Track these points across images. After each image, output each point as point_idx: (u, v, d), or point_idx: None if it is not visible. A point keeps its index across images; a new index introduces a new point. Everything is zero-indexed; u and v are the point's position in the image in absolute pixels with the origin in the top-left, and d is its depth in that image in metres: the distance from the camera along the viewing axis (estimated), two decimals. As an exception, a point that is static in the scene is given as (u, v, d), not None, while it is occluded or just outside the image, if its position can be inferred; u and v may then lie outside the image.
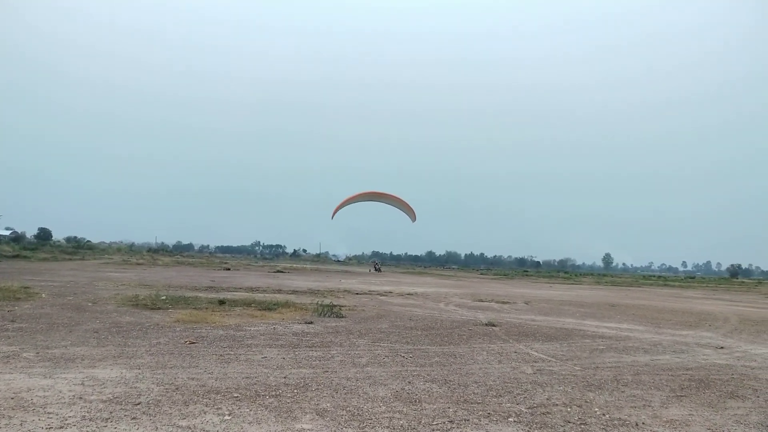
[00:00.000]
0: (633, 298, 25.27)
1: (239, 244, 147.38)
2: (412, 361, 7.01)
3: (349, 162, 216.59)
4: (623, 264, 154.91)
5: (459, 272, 72.01)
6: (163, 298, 12.76)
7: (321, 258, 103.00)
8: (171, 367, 5.94)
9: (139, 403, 4.51)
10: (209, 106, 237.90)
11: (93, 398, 4.61)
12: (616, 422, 4.63)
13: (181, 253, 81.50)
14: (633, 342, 9.66)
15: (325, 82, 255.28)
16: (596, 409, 5.01)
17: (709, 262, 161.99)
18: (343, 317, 11.23)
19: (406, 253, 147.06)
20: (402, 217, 48.33)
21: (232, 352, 6.95)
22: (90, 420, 4.03)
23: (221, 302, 12.39)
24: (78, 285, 16.64)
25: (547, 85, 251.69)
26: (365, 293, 19.55)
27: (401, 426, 4.27)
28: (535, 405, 5.07)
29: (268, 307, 11.97)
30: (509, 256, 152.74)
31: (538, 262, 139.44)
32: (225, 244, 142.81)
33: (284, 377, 5.73)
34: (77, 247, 59.03)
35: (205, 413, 4.34)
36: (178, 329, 8.63)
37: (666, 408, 5.19)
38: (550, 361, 7.46)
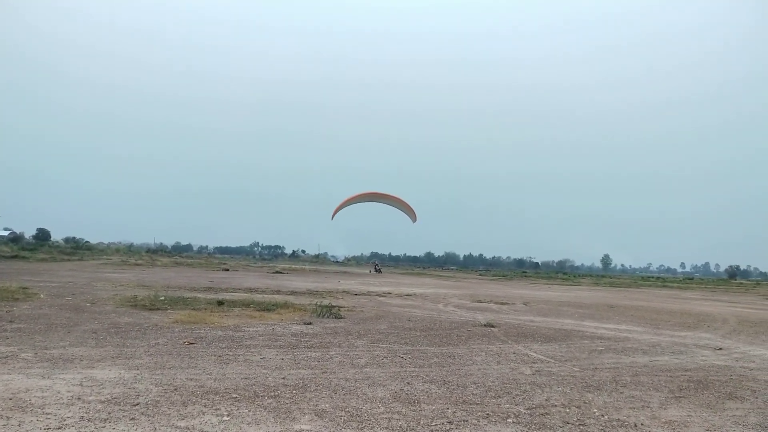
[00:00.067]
0: (631, 299, 25.30)
1: (238, 245, 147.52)
2: (411, 361, 7.01)
3: (349, 162, 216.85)
4: (622, 265, 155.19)
5: (458, 273, 72.00)
6: (162, 298, 12.74)
7: (320, 259, 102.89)
8: (169, 368, 5.94)
9: (137, 404, 4.50)
10: (209, 106, 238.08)
11: (91, 399, 4.60)
12: (614, 423, 4.64)
13: (179, 253, 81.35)
14: (632, 343, 9.67)
15: (325, 82, 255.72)
16: (595, 410, 5.02)
17: (707, 263, 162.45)
18: (341, 318, 11.23)
19: (404, 254, 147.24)
20: (401, 218, 48.38)
21: (231, 353, 6.95)
22: (88, 420, 4.03)
23: (220, 303, 12.38)
24: (76, 285, 16.60)
25: (547, 85, 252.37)
26: (364, 294, 19.54)
27: (400, 427, 4.27)
28: (533, 406, 5.07)
29: (267, 307, 11.96)
30: (508, 257, 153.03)
31: (537, 263, 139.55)
32: (224, 245, 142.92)
33: (283, 378, 5.73)
34: (76, 248, 58.89)
35: (203, 414, 4.34)
36: (176, 330, 8.62)
37: (665, 409, 5.20)
38: (548, 362, 7.47)
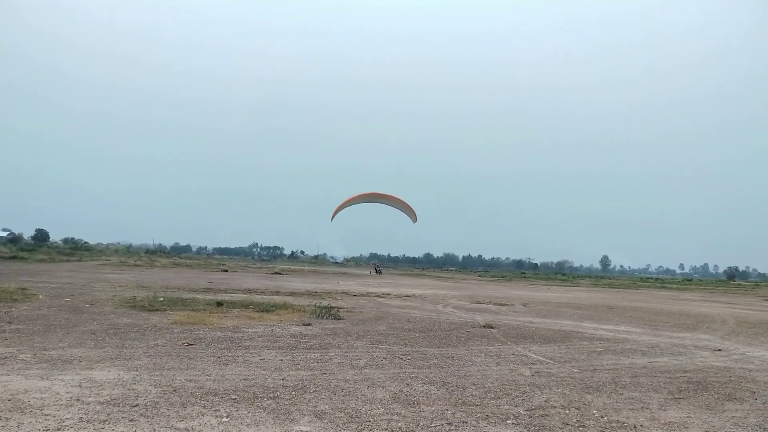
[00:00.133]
0: (630, 300, 25.32)
1: (237, 246, 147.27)
2: (410, 363, 7.01)
3: (349, 162, 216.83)
4: (621, 266, 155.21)
5: (457, 274, 71.98)
6: (161, 299, 12.72)
7: (319, 259, 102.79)
8: (168, 369, 5.93)
9: (136, 405, 4.49)
10: (209, 106, 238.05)
11: (90, 400, 4.59)
12: (614, 424, 4.64)
13: (178, 254, 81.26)
14: (631, 344, 9.68)
15: (325, 82, 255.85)
16: (594, 412, 5.02)
17: (706, 265, 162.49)
18: (341, 319, 11.22)
19: (403, 255, 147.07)
20: (400, 219, 48.25)
21: (230, 354, 6.94)
22: (87, 422, 4.02)
23: (219, 304, 12.36)
24: (75, 286, 16.58)
25: (547, 85, 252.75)
26: (363, 295, 19.53)
27: (399, 428, 4.27)
28: (533, 407, 5.07)
29: (266, 308, 11.95)
30: (507, 258, 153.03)
31: (536, 264, 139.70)
32: (223, 246, 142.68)
33: (282, 379, 5.72)
34: (74, 249, 58.77)
35: (202, 415, 4.33)
36: (175, 331, 8.61)
37: (664, 410, 5.20)
38: (548, 363, 7.47)
